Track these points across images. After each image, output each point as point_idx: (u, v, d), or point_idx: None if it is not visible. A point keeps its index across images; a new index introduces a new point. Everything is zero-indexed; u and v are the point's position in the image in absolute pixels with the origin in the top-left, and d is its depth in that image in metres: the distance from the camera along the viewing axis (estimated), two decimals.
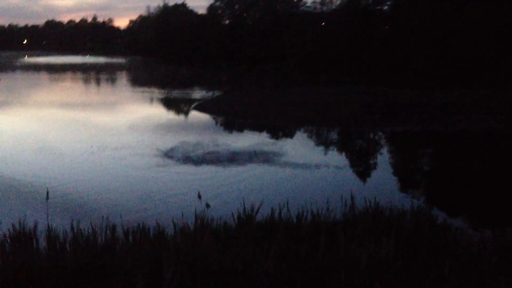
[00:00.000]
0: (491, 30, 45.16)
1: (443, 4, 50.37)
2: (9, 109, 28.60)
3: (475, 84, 42.55)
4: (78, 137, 19.93)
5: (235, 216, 8.45)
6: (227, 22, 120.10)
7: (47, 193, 7.56)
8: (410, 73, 52.48)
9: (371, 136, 22.84)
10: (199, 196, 7.59)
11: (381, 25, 67.62)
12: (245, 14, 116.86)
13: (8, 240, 7.13)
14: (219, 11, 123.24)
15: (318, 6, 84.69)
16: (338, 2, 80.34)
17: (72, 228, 7.51)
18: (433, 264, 7.28)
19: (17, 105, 30.40)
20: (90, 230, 7.58)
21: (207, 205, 7.41)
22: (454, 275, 7.07)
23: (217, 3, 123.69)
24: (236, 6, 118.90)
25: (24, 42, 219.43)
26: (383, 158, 18.07)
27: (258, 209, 8.66)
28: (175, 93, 40.53)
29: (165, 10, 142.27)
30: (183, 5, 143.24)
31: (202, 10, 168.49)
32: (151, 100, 35.42)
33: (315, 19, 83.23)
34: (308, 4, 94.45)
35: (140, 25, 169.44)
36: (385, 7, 66.84)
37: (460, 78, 46.20)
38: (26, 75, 65.48)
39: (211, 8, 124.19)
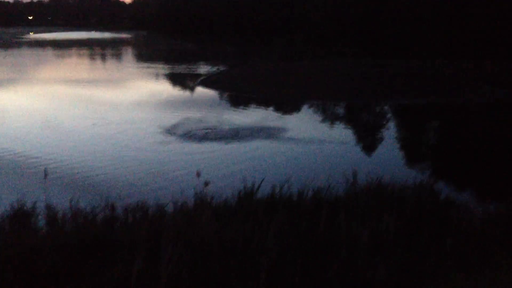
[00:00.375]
0: (503, 2, 44.18)
1: None
2: (12, 86, 28.53)
3: (484, 56, 41.91)
4: (80, 113, 19.88)
5: (236, 193, 8.38)
6: None
7: (45, 171, 7.52)
8: (419, 45, 51.69)
9: (377, 109, 22.61)
10: (198, 174, 7.52)
11: None
12: None
13: (7, 220, 7.10)
14: None
15: None
16: None
17: (71, 206, 7.47)
18: (436, 240, 7.19)
19: (20, 82, 30.33)
20: (89, 209, 7.54)
21: (206, 183, 7.33)
22: (457, 251, 7.00)
23: None
24: None
25: (30, 18, 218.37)
26: (388, 132, 17.89)
27: (259, 186, 8.59)
28: (180, 69, 40.26)
29: None
30: None
31: None
32: (156, 75, 35.21)
33: None
34: None
35: None
36: None
37: (469, 50, 45.48)
38: (31, 51, 65.27)
39: None
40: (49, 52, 65.28)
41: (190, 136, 15.47)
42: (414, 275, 6.19)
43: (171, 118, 18.46)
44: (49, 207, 7.40)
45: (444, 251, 6.97)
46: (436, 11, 50.05)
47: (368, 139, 16.92)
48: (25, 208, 7.36)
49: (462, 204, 8.29)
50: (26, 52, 63.92)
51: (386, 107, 22.72)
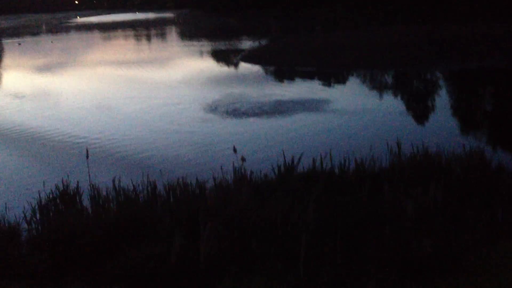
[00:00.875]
0: None
1: None
2: (60, 69, 29.34)
3: None
4: (126, 93, 20.21)
5: (275, 168, 8.27)
6: None
7: (87, 152, 7.65)
8: (469, 7, 49.29)
9: (424, 76, 21.80)
10: (235, 150, 7.47)
11: None
12: None
13: (52, 201, 7.30)
14: None
15: None
16: None
17: (114, 186, 7.60)
18: (485, 210, 6.87)
19: (68, 66, 31.13)
20: (131, 187, 7.65)
21: (243, 159, 7.27)
22: (508, 222, 6.66)
23: None
24: None
25: (76, 3, 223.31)
26: (436, 100, 17.23)
27: (299, 160, 8.44)
28: (222, 45, 40.18)
29: None
30: None
31: None
32: (198, 53, 35.31)
33: None
34: None
35: None
36: None
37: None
38: (78, 35, 66.84)
39: None
40: (96, 35, 66.65)
41: (231, 111, 15.43)
42: (461, 248, 5.93)
43: (213, 94, 18.46)
44: (93, 187, 7.55)
45: (495, 220, 6.65)
46: None
47: (414, 108, 16.37)
48: (69, 188, 7.55)
49: None
50: (73, 36, 65.55)
51: (433, 74, 21.87)
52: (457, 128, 13.28)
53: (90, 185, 7.50)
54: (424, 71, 22.25)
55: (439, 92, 18.54)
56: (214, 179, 7.92)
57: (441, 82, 20.73)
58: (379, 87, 19.59)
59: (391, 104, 16.41)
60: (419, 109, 16.32)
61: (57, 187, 7.48)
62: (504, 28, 34.73)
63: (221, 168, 8.22)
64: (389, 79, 21.77)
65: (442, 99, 17.03)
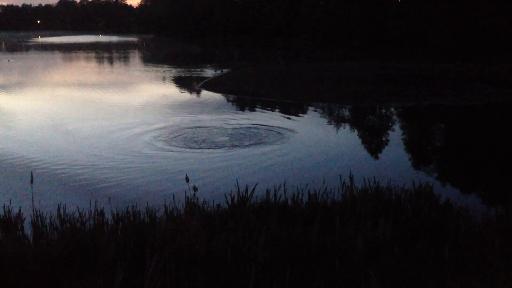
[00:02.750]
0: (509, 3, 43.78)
1: None
2: (16, 89, 28.55)
3: (488, 57, 41.58)
4: (79, 116, 19.81)
5: (229, 198, 8.18)
6: None
7: (32, 176, 7.36)
8: (423, 47, 51.41)
9: (380, 112, 22.35)
10: (187, 179, 7.35)
11: None
12: None
13: None
14: None
15: None
16: None
17: (59, 213, 7.31)
18: (433, 247, 6.97)
19: (24, 85, 30.35)
20: (77, 215, 7.38)
21: (195, 188, 7.16)
22: (455, 259, 6.76)
23: None
24: None
25: (38, 22, 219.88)
26: (389, 135, 17.65)
27: (253, 191, 8.38)
28: (184, 71, 40.20)
29: None
30: None
31: None
32: (159, 78, 35.16)
33: None
34: None
35: (152, 2, 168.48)
36: None
37: (473, 52, 45.15)
38: (38, 54, 65.56)
39: None
40: (56, 55, 65.54)
41: (187, 139, 15.30)
42: (408, 284, 5.96)
43: (171, 121, 18.32)
44: (36, 214, 7.24)
45: (442, 260, 6.74)
46: (441, 12, 49.70)
47: (368, 142, 16.68)
48: (11, 214, 7.21)
49: (462, 209, 8.02)
50: (32, 55, 64.21)
51: (389, 110, 22.46)
52: (407, 163, 13.58)
53: (33, 212, 7.18)
54: (379, 106, 22.82)
55: (392, 127, 19.03)
56: (166, 208, 7.75)
57: (394, 118, 21.30)
58: (335, 121, 19.92)
59: (346, 138, 16.68)
60: (372, 143, 16.66)
61: None
62: (457, 67, 36.32)
63: (173, 197, 8.06)
64: (345, 113, 22.20)
65: (394, 135, 17.46)
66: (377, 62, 41.18)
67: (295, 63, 45.42)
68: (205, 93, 27.03)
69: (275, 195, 8.38)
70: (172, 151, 13.91)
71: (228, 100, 25.24)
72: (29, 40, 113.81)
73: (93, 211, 7.49)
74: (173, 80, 34.58)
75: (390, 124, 19.92)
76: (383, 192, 8.61)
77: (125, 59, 59.17)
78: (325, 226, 7.48)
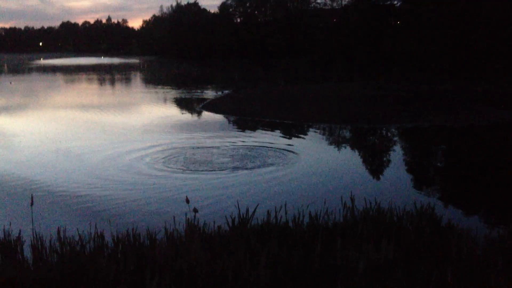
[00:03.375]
0: (505, 24, 44.19)
1: None
2: (16, 110, 28.68)
3: (486, 78, 41.83)
4: (80, 138, 19.84)
5: (229, 220, 8.15)
6: (239, 20, 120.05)
7: (32, 199, 7.35)
8: (422, 67, 51.72)
9: (380, 133, 22.38)
10: (187, 201, 7.33)
11: (392, 20, 66.81)
12: (256, 12, 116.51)
13: None
14: (231, 9, 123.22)
15: (329, 2, 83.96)
16: None
17: (59, 235, 7.28)
18: (435, 269, 6.91)
19: (25, 107, 30.49)
20: (77, 238, 7.34)
21: (195, 210, 7.13)
22: (457, 281, 6.69)
23: (229, 1, 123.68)
24: (248, 4, 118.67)
25: (40, 45, 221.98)
26: (389, 156, 17.64)
27: (254, 212, 8.36)
28: (186, 92, 40.41)
29: (178, 9, 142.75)
30: (196, 4, 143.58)
31: (214, 9, 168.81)
32: (161, 100, 35.34)
33: (326, 15, 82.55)
34: (319, 0, 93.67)
35: (153, 25, 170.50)
36: (395, 2, 66.14)
37: (472, 72, 45.44)
38: (41, 76, 66.05)
39: (223, 6, 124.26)
40: (58, 77, 65.99)
41: (188, 160, 15.31)
42: None
43: (172, 141, 18.35)
44: (36, 236, 7.21)
45: (444, 282, 6.67)
46: (440, 33, 50.13)
47: (369, 163, 16.68)
48: (11, 237, 7.18)
49: (464, 230, 7.97)
50: (34, 77, 64.66)
51: (389, 131, 22.50)
52: (409, 184, 13.54)
53: (33, 235, 7.15)
54: (379, 127, 22.88)
55: (392, 148, 19.04)
56: (166, 230, 7.71)
57: (395, 139, 21.33)
58: (336, 141, 19.96)
59: (346, 159, 16.68)
60: (373, 164, 16.65)
61: None
62: (456, 88, 36.48)
63: (174, 219, 8.03)
64: (345, 134, 22.24)
65: (395, 155, 17.46)
66: (376, 83, 41.42)
67: (295, 84, 45.70)
68: (206, 114, 27.14)
69: (275, 216, 8.35)
70: (173, 173, 13.90)
71: (229, 121, 25.33)
72: (32, 62, 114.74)
73: (93, 234, 7.45)
74: (174, 101, 34.75)
75: (391, 144, 19.94)
76: (385, 213, 8.57)
77: (127, 80, 59.56)
78: (326, 247, 7.44)
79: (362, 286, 6.55)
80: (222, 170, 14.18)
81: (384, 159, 17.51)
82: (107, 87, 51.17)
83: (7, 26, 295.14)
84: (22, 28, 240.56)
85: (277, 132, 21.28)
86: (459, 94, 33.15)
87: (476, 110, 26.24)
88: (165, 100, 34.89)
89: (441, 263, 7.00)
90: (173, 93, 40.53)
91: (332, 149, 18.03)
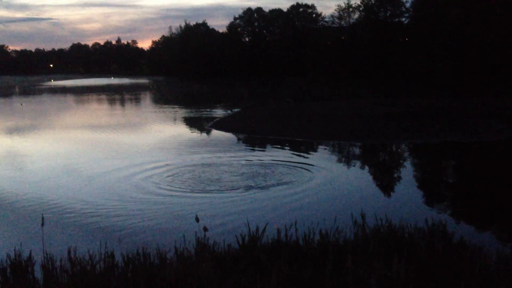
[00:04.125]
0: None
1: (463, 14, 49.54)
2: (27, 132, 28.97)
3: (494, 93, 41.69)
4: (91, 158, 19.97)
5: (239, 238, 8.12)
6: (247, 39, 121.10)
7: (42, 219, 7.39)
8: (429, 83, 51.68)
9: (390, 149, 22.30)
10: (197, 219, 7.33)
11: (400, 36, 67.07)
12: (264, 31, 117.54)
13: (2, 272, 6.94)
14: (239, 29, 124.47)
15: (337, 21, 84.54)
16: (356, 16, 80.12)
17: (69, 256, 7.30)
18: (448, 286, 6.82)
19: (35, 128, 30.79)
20: (87, 258, 7.35)
21: (205, 229, 7.12)
22: None
23: (237, 21, 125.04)
24: (256, 24, 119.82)
25: (51, 66, 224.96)
26: (400, 173, 17.54)
27: (264, 231, 8.32)
28: (195, 111, 40.64)
29: (187, 30, 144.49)
30: (204, 24, 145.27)
31: (222, 29, 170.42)
32: (170, 119, 35.54)
33: (334, 33, 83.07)
34: (326, 19, 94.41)
35: (162, 45, 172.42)
36: (403, 19, 66.51)
37: (479, 87, 45.32)
38: (50, 98, 66.80)
39: (231, 26, 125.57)
40: (68, 98, 66.71)
41: (196, 178, 15.33)
42: None
43: (181, 160, 18.41)
44: (46, 257, 7.23)
45: None
46: (446, 48, 50.18)
47: (379, 180, 16.59)
48: (21, 258, 7.21)
49: (476, 247, 7.89)
50: (45, 99, 65.41)
51: (399, 147, 22.42)
52: (420, 201, 13.43)
53: (43, 255, 7.18)
54: (389, 143, 22.80)
55: (402, 164, 18.94)
56: (176, 249, 7.71)
57: (405, 155, 21.24)
58: (345, 158, 19.90)
59: (357, 175, 16.60)
60: (384, 181, 16.56)
61: (8, 256, 7.14)
62: (464, 103, 36.37)
63: (184, 238, 8.03)
64: (355, 151, 22.19)
65: (405, 172, 17.36)
66: (385, 99, 41.40)
67: (304, 102, 45.81)
68: (216, 133, 27.24)
69: (286, 234, 8.31)
70: (184, 192, 13.91)
71: (239, 139, 25.39)
72: (42, 84, 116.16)
73: (103, 253, 7.46)
74: (184, 120, 34.94)
75: (401, 161, 19.85)
76: (396, 231, 8.50)
77: (137, 100, 60.06)
78: (337, 265, 7.38)
79: None
80: (233, 189, 14.13)
81: (395, 175, 17.42)
82: (118, 107, 51.62)
83: (18, 48, 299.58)
84: (33, 50, 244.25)
85: (286, 150, 21.28)
86: (468, 109, 33.04)
87: (485, 125, 26.11)
88: (175, 120, 35.09)
89: (454, 280, 6.91)
90: (183, 112, 40.78)
91: (341, 166, 17.97)
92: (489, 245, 8.04)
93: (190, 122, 33.57)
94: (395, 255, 7.33)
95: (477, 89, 45.33)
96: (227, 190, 14.03)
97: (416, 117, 29.98)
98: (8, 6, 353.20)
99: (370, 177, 16.89)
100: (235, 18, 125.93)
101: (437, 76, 51.11)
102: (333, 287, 6.87)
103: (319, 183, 14.85)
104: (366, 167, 18.41)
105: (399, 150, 22.08)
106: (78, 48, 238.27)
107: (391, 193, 14.50)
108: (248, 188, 14.18)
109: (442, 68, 50.32)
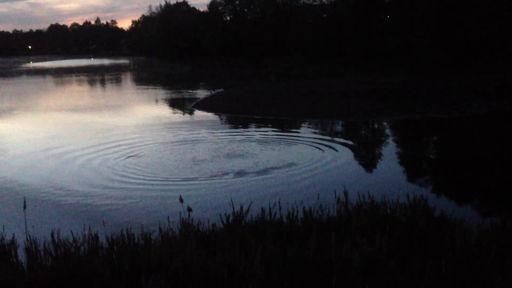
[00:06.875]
0: (496, 15, 44.40)
1: None
2: (7, 114, 28.50)
3: (476, 69, 42.08)
4: (72, 139, 19.75)
5: (224, 218, 8.15)
6: (228, 18, 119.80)
7: (24, 202, 7.32)
8: (412, 61, 51.92)
9: (371, 126, 22.45)
10: (181, 200, 7.33)
11: (381, 13, 67.05)
12: (245, 9, 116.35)
13: None
14: (220, 8, 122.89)
15: None
16: None
17: (52, 238, 7.26)
18: (429, 260, 6.95)
19: (14, 111, 30.29)
20: (71, 240, 7.32)
21: (189, 209, 7.13)
22: (451, 272, 6.74)
23: (218, 0, 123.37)
24: (237, 2, 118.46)
25: (29, 48, 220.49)
26: (381, 149, 17.72)
27: (248, 209, 8.37)
28: (177, 92, 40.31)
29: (167, 9, 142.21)
30: (185, 3, 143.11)
31: (203, 8, 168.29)
32: (152, 100, 35.23)
33: (316, 11, 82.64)
34: None
35: (142, 25, 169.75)
36: None
37: (461, 64, 45.67)
38: (30, 79, 65.59)
39: (212, 4, 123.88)
40: (48, 79, 65.59)
41: (179, 158, 15.29)
42: None
43: (163, 140, 18.32)
44: (30, 240, 7.18)
45: (439, 272, 6.72)
46: (429, 26, 50.32)
47: (361, 157, 16.72)
48: (4, 241, 7.15)
49: (457, 221, 8.04)
50: (24, 80, 64.22)
51: (381, 124, 22.58)
52: (402, 177, 13.60)
53: (27, 238, 7.13)
54: (371, 121, 22.95)
55: (384, 141, 19.12)
56: (160, 229, 7.71)
57: (387, 132, 21.41)
58: (328, 136, 19.98)
59: (338, 153, 16.69)
60: (366, 158, 16.71)
61: None
62: (446, 80, 36.69)
63: (168, 218, 8.03)
64: (336, 128, 22.29)
65: (387, 148, 17.53)
66: (367, 77, 41.53)
67: (286, 81, 45.72)
68: (198, 113, 27.10)
69: (270, 213, 8.36)
70: (165, 171, 13.88)
71: (221, 119, 25.31)
72: (21, 65, 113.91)
73: (87, 235, 7.44)
74: (166, 101, 34.66)
75: (383, 138, 20.02)
76: (378, 207, 8.61)
77: (117, 81, 59.30)
78: (321, 242, 7.46)
79: (357, 279, 6.58)
80: (215, 165, 14.17)
81: (377, 152, 17.58)
82: (99, 88, 50.95)
83: None
84: (11, 31, 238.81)
85: (269, 129, 21.30)
86: (449, 86, 33.32)
87: (467, 101, 26.38)
88: (156, 100, 34.79)
89: (435, 254, 7.05)
90: (164, 92, 40.42)
91: (322, 144, 18.05)
92: (470, 220, 8.18)
93: (173, 103, 33.30)
94: (377, 231, 7.46)
95: (458, 66, 45.71)
96: (210, 165, 14.02)
97: (397, 94, 30.17)
98: None
99: (352, 155, 17.00)
100: None
101: (418, 53, 51.33)
102: (317, 263, 6.95)
103: (303, 161, 14.91)
104: (348, 145, 18.52)
105: (380, 127, 22.24)
106: (56, 29, 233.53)
107: (373, 170, 14.65)
108: (231, 164, 14.21)
109: (423, 45, 50.52)
